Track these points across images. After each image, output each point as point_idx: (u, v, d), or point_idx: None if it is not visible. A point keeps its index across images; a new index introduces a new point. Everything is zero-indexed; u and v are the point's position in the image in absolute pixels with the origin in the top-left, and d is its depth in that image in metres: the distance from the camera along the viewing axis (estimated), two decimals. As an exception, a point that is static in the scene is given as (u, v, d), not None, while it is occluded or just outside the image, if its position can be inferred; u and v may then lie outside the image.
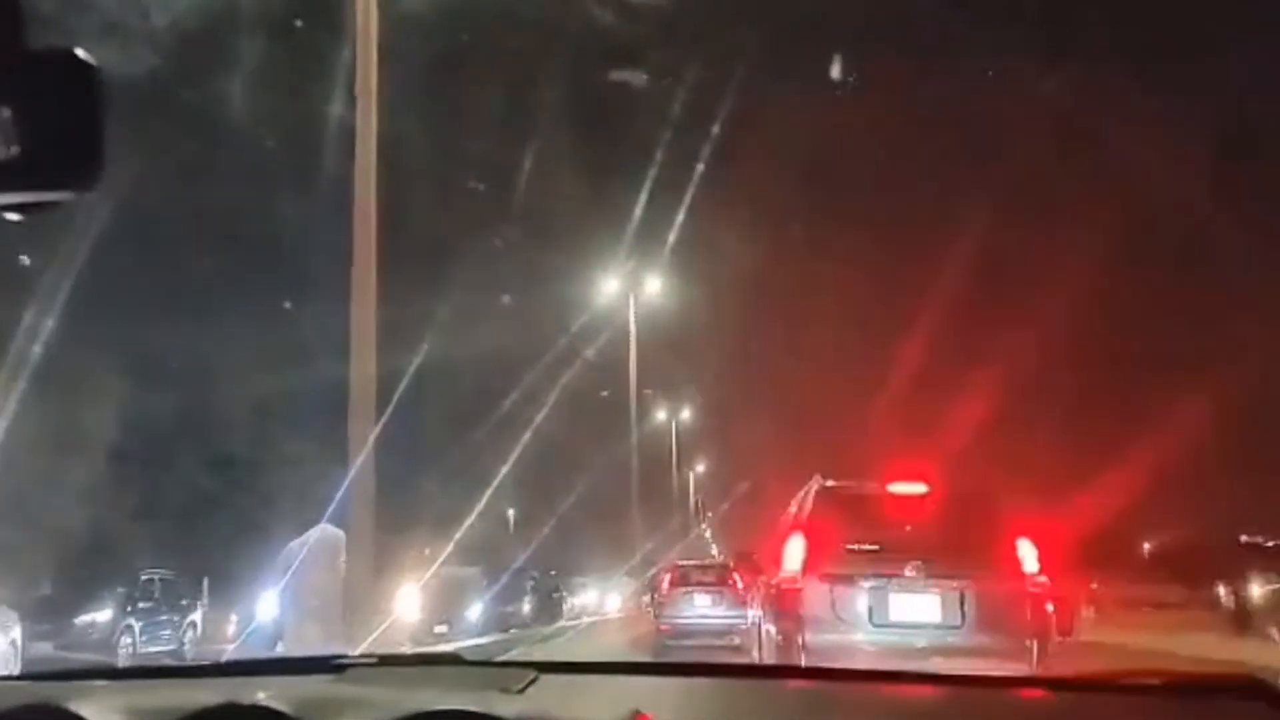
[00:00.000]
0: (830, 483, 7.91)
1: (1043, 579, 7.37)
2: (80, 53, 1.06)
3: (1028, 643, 7.16)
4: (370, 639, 14.59)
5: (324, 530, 10.81)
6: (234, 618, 19.43)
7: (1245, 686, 1.61)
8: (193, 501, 22.11)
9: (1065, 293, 21.42)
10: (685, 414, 40.02)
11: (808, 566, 7.44)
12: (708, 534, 44.70)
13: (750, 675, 2.24)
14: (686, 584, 18.12)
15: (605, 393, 30.55)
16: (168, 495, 21.89)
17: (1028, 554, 7.34)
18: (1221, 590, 20.62)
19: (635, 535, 28.76)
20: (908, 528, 7.51)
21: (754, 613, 9.53)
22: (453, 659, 2.20)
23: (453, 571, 20.90)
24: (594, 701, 1.64)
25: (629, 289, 28.45)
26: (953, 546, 7.38)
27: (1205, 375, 20.60)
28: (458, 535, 19.61)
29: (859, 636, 7.24)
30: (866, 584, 7.34)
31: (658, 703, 1.59)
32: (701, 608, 17.22)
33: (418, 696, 1.43)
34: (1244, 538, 21.75)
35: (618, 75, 20.01)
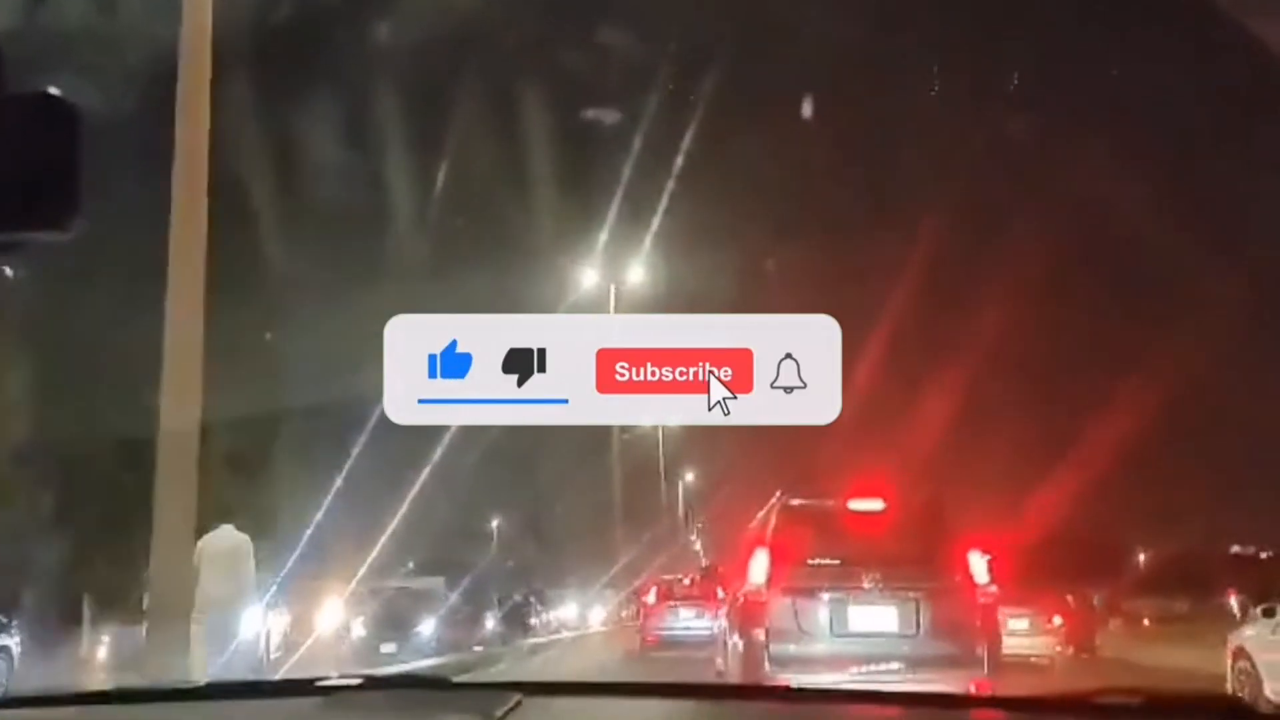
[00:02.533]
0: (793, 500, 8.77)
1: (993, 589, 8.22)
2: (57, 94, 1.12)
3: (979, 651, 7.99)
4: (292, 659, 13.32)
5: (221, 535, 9.57)
6: (104, 639, 17.88)
7: (1224, 706, 1.73)
8: (121, 506, 20.96)
9: (1023, 298, 22.29)
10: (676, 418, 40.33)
11: (771, 580, 8.28)
12: (697, 546, 45.34)
13: (734, 696, 2.33)
14: (670, 598, 19.36)
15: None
16: (92, 500, 19.84)
17: (978, 565, 8.20)
18: (1234, 602, 21.38)
19: (619, 546, 29.22)
20: (866, 542, 8.35)
21: (719, 623, 10.38)
22: (438, 681, 2.31)
23: (408, 584, 20.46)
24: None
25: (610, 280, 27.74)
26: (908, 559, 8.23)
27: (1168, 385, 21.47)
28: (380, 541, 18.03)
29: (820, 647, 8.06)
30: (827, 596, 8.17)
31: None
32: (685, 620, 18.29)
33: None
34: (1235, 549, 22.62)
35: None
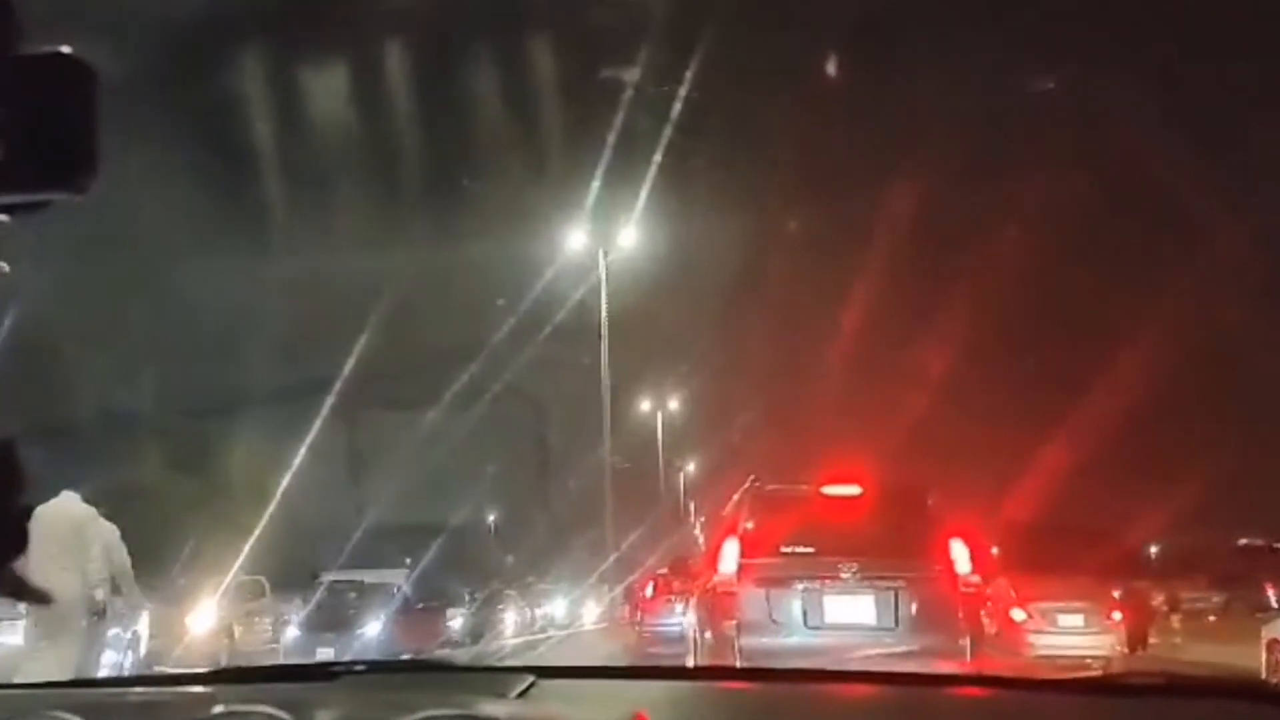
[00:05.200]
0: (766, 486, 8.67)
1: (975, 579, 8.12)
2: (75, 55, 1.13)
3: (961, 642, 7.89)
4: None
5: (58, 506, 8.09)
6: None
7: (1251, 689, 1.86)
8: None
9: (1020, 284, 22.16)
10: (673, 405, 40.22)
11: (743, 570, 8.19)
12: (701, 540, 45.26)
13: (746, 679, 2.42)
14: (669, 592, 19.32)
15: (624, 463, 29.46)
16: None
17: (960, 554, 8.08)
18: (1271, 593, 21.24)
19: (614, 538, 29.05)
20: (842, 530, 8.24)
21: (690, 617, 10.30)
22: (447, 665, 2.57)
23: (353, 577, 18.83)
24: (592, 706, 1.78)
25: (598, 245, 26.73)
26: (887, 548, 8.11)
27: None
28: (263, 524, 16.40)
29: (794, 640, 7.94)
30: (801, 587, 8.07)
31: (655, 707, 1.75)
32: (681, 615, 18.23)
33: (413, 703, 1.56)
34: (1243, 540, 22.44)
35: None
